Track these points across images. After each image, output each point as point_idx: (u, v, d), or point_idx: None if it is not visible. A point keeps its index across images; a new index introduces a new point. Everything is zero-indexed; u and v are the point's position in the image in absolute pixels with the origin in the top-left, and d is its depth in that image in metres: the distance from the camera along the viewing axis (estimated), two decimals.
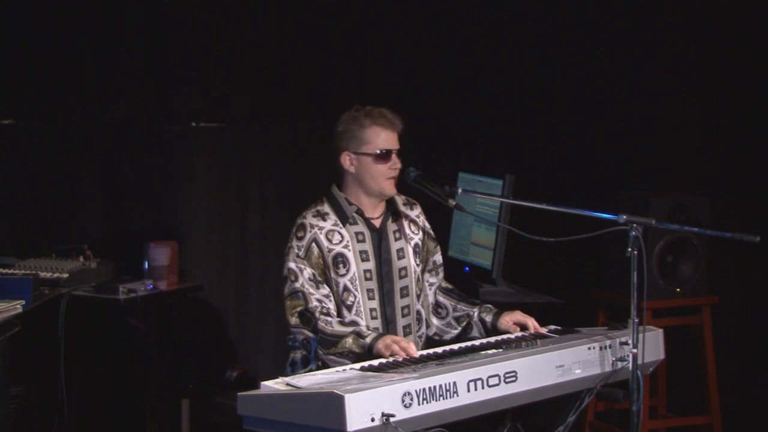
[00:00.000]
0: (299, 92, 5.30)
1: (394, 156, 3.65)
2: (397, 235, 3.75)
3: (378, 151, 3.63)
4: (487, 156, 5.10)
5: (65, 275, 4.54)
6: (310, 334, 3.52)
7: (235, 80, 5.24)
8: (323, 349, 3.48)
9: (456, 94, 5.36)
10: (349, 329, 3.46)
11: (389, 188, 3.67)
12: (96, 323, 4.74)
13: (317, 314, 3.52)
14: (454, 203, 3.63)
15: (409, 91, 5.25)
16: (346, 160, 3.67)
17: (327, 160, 3.76)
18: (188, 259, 5.06)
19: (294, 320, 3.56)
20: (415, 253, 3.78)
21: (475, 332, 3.76)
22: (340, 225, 3.66)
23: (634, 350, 3.29)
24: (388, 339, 3.37)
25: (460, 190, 3.70)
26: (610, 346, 3.37)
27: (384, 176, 3.65)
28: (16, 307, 3.85)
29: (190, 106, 5.20)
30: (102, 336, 4.82)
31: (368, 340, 3.40)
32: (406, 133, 3.74)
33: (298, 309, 3.55)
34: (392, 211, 3.77)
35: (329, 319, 3.51)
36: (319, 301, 3.56)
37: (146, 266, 4.74)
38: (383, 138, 3.65)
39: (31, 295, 4.11)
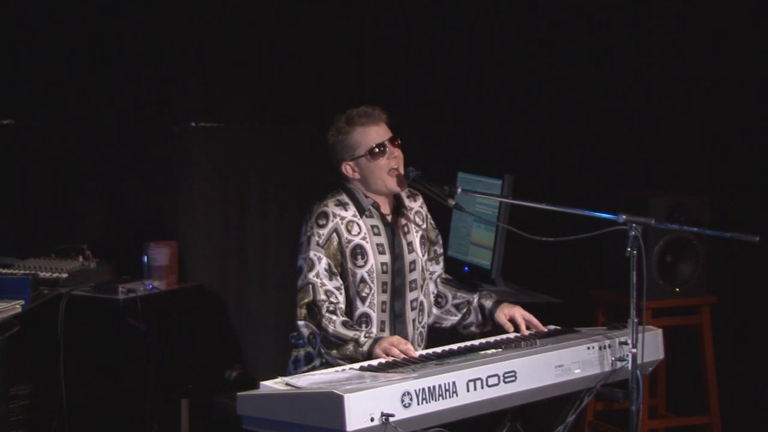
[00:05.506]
0: (299, 92, 5.29)
1: (388, 147, 3.65)
2: (407, 228, 3.76)
3: (370, 148, 3.64)
4: (486, 156, 5.09)
5: (65, 275, 4.55)
6: (316, 329, 3.51)
7: (235, 80, 5.24)
8: (325, 348, 3.48)
9: (455, 94, 5.35)
10: (350, 335, 3.45)
11: (393, 183, 3.66)
12: (95, 323, 4.74)
13: (323, 311, 3.51)
14: (454, 203, 3.63)
15: (409, 91, 5.25)
16: (348, 169, 3.67)
17: (327, 161, 3.76)
18: (188, 259, 5.06)
19: (302, 312, 3.55)
20: (421, 244, 3.79)
21: (472, 318, 3.77)
22: (359, 216, 3.66)
23: (634, 350, 3.29)
24: (385, 343, 3.37)
25: (459, 190, 3.69)
26: (609, 346, 3.37)
27: (385, 170, 3.64)
28: (16, 306, 3.86)
29: (190, 106, 5.20)
30: (102, 336, 4.82)
31: (365, 348, 3.40)
32: (405, 132, 3.73)
33: (306, 301, 3.55)
34: (399, 205, 3.78)
35: (333, 318, 3.51)
36: (328, 294, 3.55)
37: (146, 266, 4.75)
38: (370, 135, 3.64)
39: (31, 295, 4.11)
